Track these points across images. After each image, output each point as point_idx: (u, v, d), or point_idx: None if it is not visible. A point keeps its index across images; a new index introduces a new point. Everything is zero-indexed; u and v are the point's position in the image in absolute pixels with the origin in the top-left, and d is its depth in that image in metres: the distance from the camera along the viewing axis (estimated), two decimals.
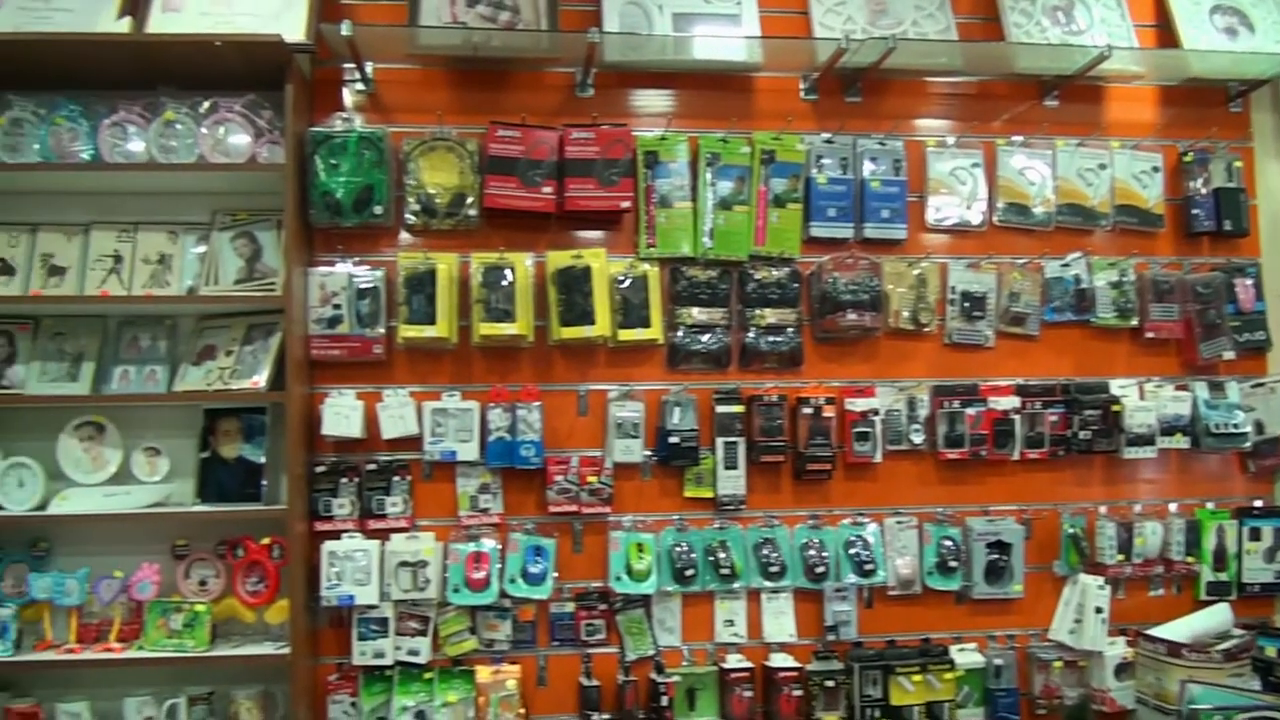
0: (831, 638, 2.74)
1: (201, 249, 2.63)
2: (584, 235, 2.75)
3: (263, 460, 2.59)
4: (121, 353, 2.62)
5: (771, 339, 2.75)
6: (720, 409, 2.70)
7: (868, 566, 2.72)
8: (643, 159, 2.71)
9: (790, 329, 2.76)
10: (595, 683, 2.63)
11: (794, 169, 2.77)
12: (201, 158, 2.52)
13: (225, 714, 2.55)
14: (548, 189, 2.62)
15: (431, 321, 2.57)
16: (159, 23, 2.60)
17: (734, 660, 2.69)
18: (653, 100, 2.81)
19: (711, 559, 2.68)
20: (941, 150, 2.89)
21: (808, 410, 2.72)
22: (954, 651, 2.75)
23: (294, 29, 2.55)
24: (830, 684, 2.66)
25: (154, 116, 2.53)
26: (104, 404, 2.60)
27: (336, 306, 2.59)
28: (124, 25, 2.57)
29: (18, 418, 2.63)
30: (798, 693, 2.64)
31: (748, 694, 2.64)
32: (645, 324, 2.66)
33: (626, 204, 2.64)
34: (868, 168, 2.82)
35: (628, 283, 2.67)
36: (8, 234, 2.65)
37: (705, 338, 2.72)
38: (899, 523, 2.79)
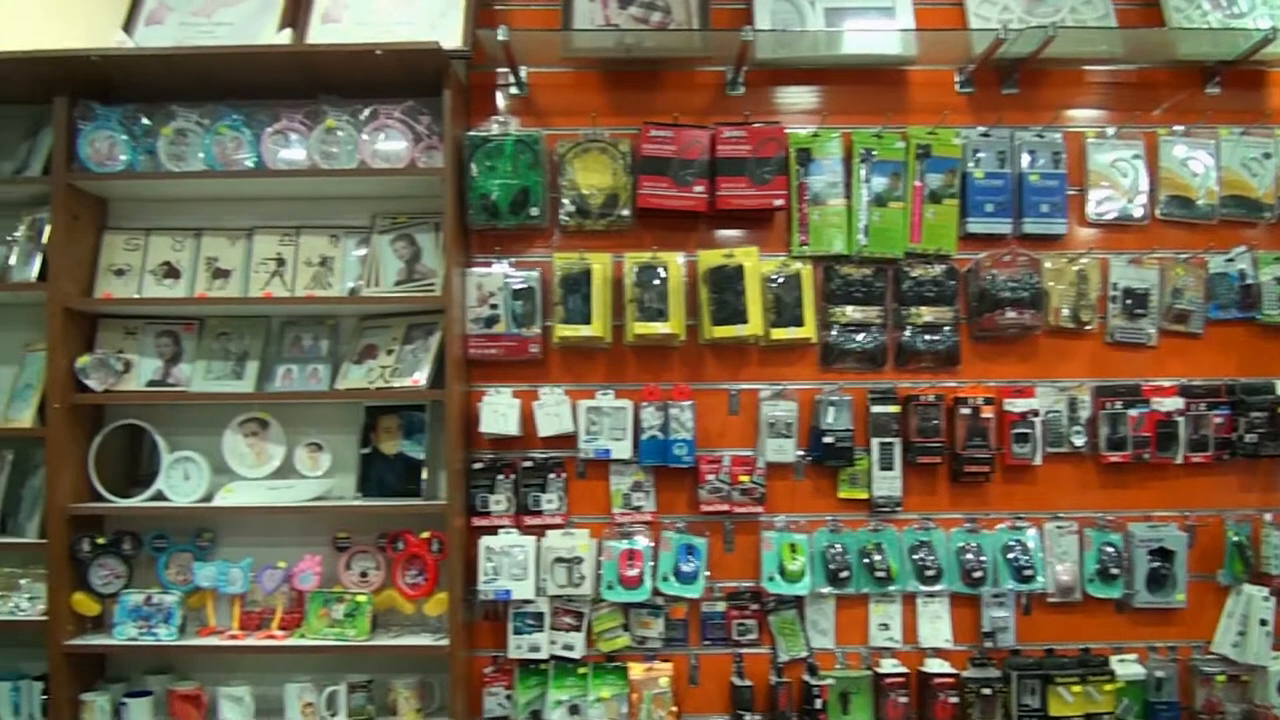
0: (989, 644, 2.76)
1: (362, 251, 2.78)
2: (736, 234, 2.83)
3: (422, 456, 2.72)
4: (285, 352, 2.79)
5: (928, 338, 2.78)
6: (876, 409, 2.74)
7: (1026, 572, 2.73)
8: (795, 156, 2.77)
9: (947, 327, 2.79)
10: (748, 683, 2.70)
11: (950, 164, 2.80)
12: (362, 163, 2.67)
13: (384, 702, 2.69)
14: (700, 188, 2.70)
15: (587, 321, 2.67)
16: (318, 33, 2.76)
17: (889, 665, 2.73)
18: (805, 97, 2.87)
19: (866, 561, 2.72)
20: (1101, 141, 2.88)
21: (965, 411, 2.74)
22: (1114, 662, 2.74)
23: (451, 36, 2.69)
24: (987, 692, 2.68)
25: (315, 124, 2.69)
26: (268, 401, 2.77)
27: (493, 306, 2.71)
28: (285, 37, 2.74)
29: (184, 414, 2.83)
30: (954, 700, 2.68)
31: (903, 700, 2.68)
32: (798, 323, 2.72)
33: (780, 202, 2.70)
34: (1026, 161, 2.83)
35: (780, 281, 2.73)
36: (174, 239, 2.85)
37: (860, 336, 2.77)
38: (1059, 527, 2.79)
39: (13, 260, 2.83)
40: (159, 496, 2.73)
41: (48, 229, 2.74)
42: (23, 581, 2.75)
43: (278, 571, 2.69)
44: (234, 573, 2.68)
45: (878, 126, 2.81)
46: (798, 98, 2.87)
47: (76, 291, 2.77)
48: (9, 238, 2.86)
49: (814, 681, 2.68)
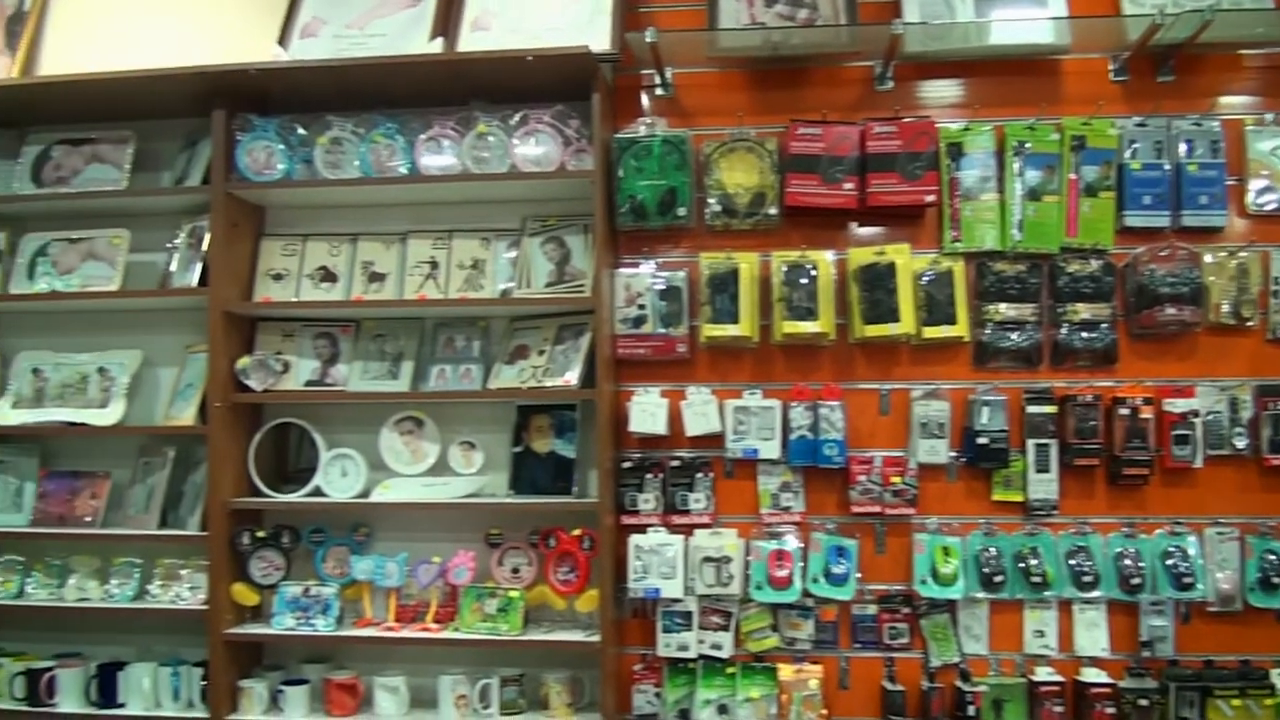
0: (1146, 654, 2.76)
1: (512, 254, 2.93)
2: (886, 231, 2.89)
3: (573, 455, 2.86)
4: (438, 352, 2.95)
5: (1085, 335, 2.80)
6: (1031, 409, 2.78)
7: (1186, 580, 2.72)
8: (946, 151, 2.81)
9: (1104, 324, 2.81)
10: (899, 688, 2.76)
11: (1106, 155, 2.82)
12: (513, 167, 2.81)
13: (535, 696, 2.82)
14: (849, 185, 2.77)
15: (734, 320, 2.76)
16: (469, 41, 2.92)
17: (1044, 672, 2.76)
18: (955, 89, 2.92)
19: (1021, 565, 2.75)
20: (1260, 129, 2.87)
21: (1124, 411, 2.76)
22: (1275, 676, 2.72)
23: (599, 39, 2.81)
24: (1144, 703, 2.69)
25: (467, 130, 2.84)
26: (422, 400, 2.93)
27: (641, 307, 2.82)
28: (437, 46, 2.90)
29: (341, 412, 3.01)
30: (1110, 711, 2.69)
31: (1058, 709, 2.71)
32: (950, 321, 2.77)
33: (931, 198, 2.76)
34: (1183, 151, 2.83)
35: (932, 278, 2.78)
36: (330, 244, 3.04)
37: (1015, 335, 2.80)
38: (1219, 534, 2.78)
39: (174, 266, 3.05)
40: (317, 492, 2.91)
41: (208, 236, 2.95)
42: (184, 572, 2.96)
43: (433, 566, 2.84)
44: (390, 567, 2.84)
45: (1030, 118, 2.85)
46: (947, 91, 2.92)
47: (236, 296, 2.97)
48: (170, 245, 3.08)
49: (967, 688, 2.72)
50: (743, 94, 2.94)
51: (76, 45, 3.20)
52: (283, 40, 3.03)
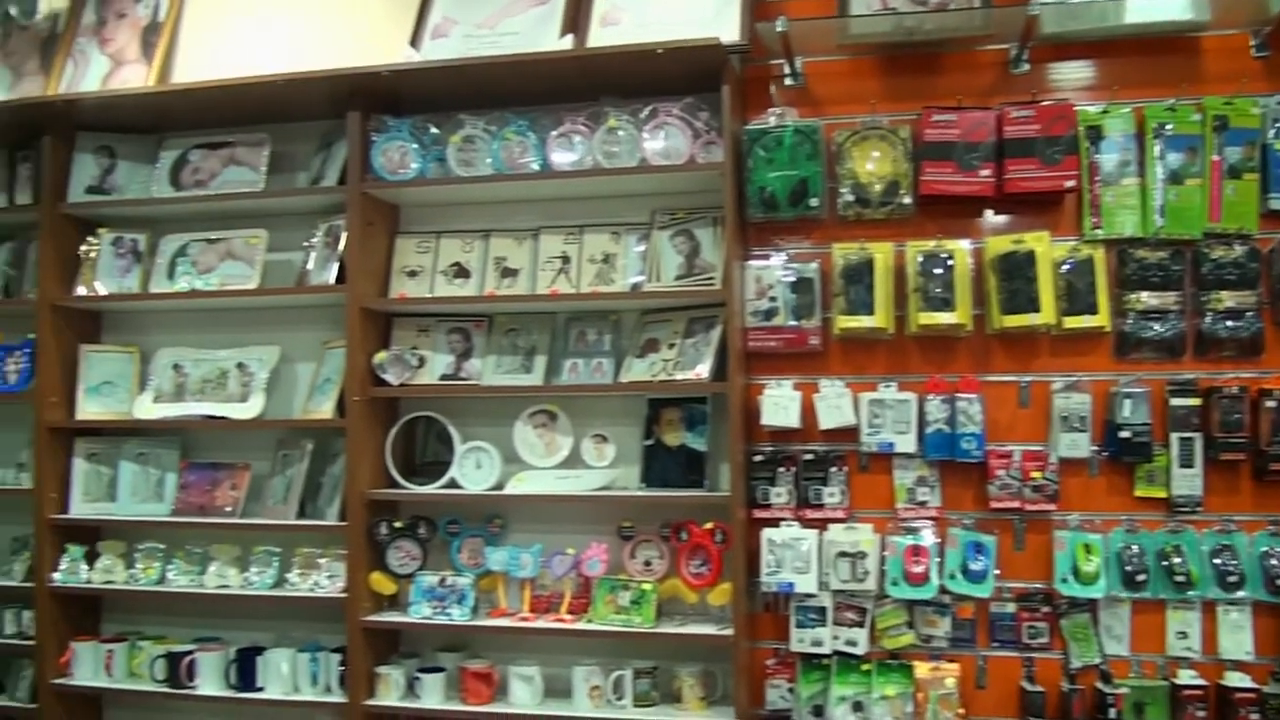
0: None
1: (642, 247, 3.04)
2: (1023, 219, 2.91)
3: (704, 448, 2.95)
4: (570, 346, 3.09)
5: (1230, 324, 2.79)
6: (1175, 402, 2.79)
7: None
8: (1084, 134, 2.83)
9: (1249, 313, 2.80)
10: (1038, 688, 2.78)
11: (1249, 135, 2.81)
12: (643, 161, 2.91)
13: (667, 689, 2.93)
14: (986, 172, 2.81)
15: (869, 311, 2.83)
16: (598, 37, 3.04)
17: (1187, 676, 2.76)
18: (1092, 71, 2.93)
19: (1164, 564, 2.76)
20: None
21: (1271, 404, 2.75)
22: None
23: (728, 31, 2.89)
24: None
25: (597, 125, 2.96)
26: (555, 394, 3.06)
27: (772, 299, 2.91)
28: (567, 43, 3.02)
29: (476, 406, 3.16)
30: (1255, 717, 2.67)
31: (1201, 713, 2.70)
32: (1092, 310, 2.79)
33: (1071, 183, 2.78)
34: None
35: (1072, 267, 2.80)
36: (463, 241, 3.20)
37: (1157, 324, 2.81)
38: None
39: (310, 265, 3.23)
40: (452, 484, 3.05)
41: (344, 235, 3.12)
42: (322, 561, 3.15)
43: (566, 558, 2.97)
44: (524, 558, 2.97)
45: (1170, 98, 2.85)
46: (1084, 72, 2.93)
47: (373, 292, 3.14)
48: (307, 244, 3.26)
49: (1108, 690, 2.74)
50: (874, 81, 3.00)
51: (210, 52, 3.40)
52: (415, 41, 3.18)
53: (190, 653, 3.20)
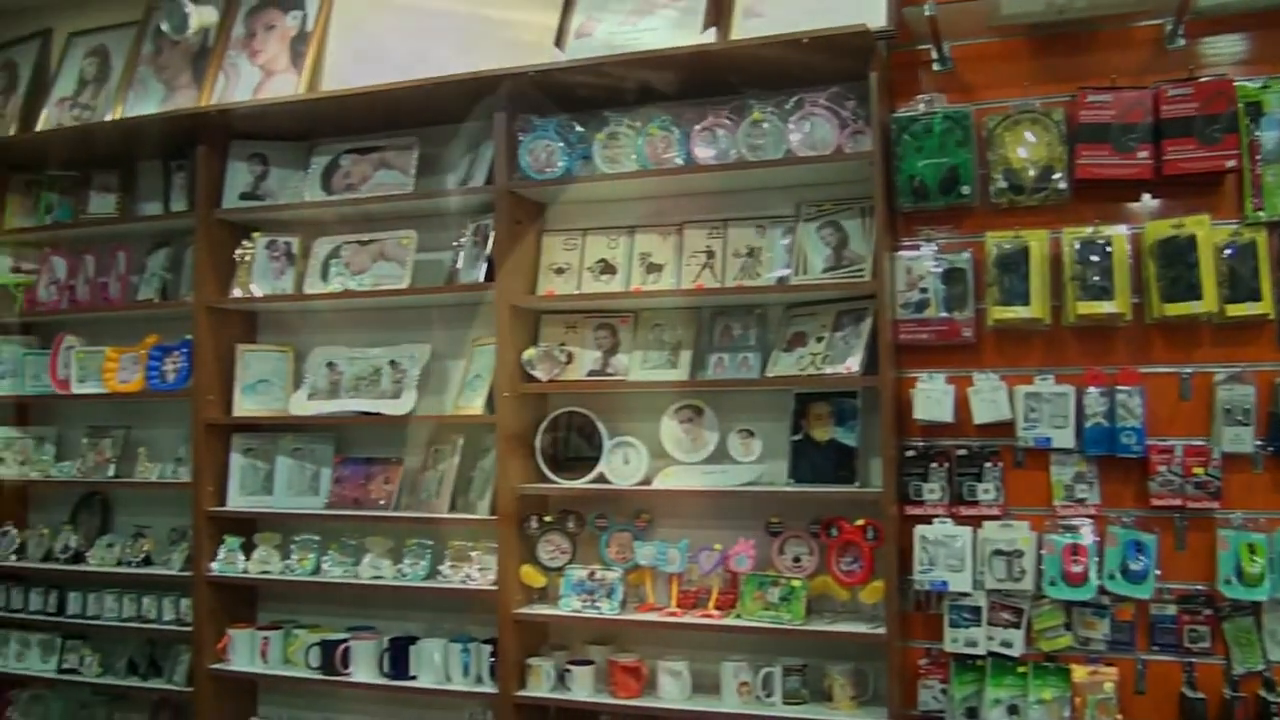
0: None
1: (788, 240, 3.13)
2: (1181, 201, 2.90)
3: (854, 443, 3.03)
4: (716, 341, 3.22)
5: None
6: None
7: None
8: (1243, 111, 2.81)
9: None
10: (1199, 695, 2.78)
11: None
12: (789, 153, 3.01)
13: (817, 687, 3.03)
14: (1143, 154, 2.82)
15: (1025, 301, 2.86)
16: (742, 29, 3.16)
17: None
18: (1250, 44, 2.89)
19: None
20: None
21: None
22: None
23: (875, 16, 2.96)
24: None
25: (741, 118, 3.08)
26: (701, 389, 3.18)
27: (923, 290, 2.97)
28: (710, 36, 3.13)
29: (623, 401, 3.32)
30: None
31: None
32: (1254, 297, 2.78)
33: (1232, 163, 2.78)
34: None
35: (1234, 252, 2.79)
36: (609, 237, 3.37)
37: None
38: None
39: (460, 264, 3.43)
40: (600, 478, 3.21)
41: (492, 234, 3.31)
42: (473, 554, 3.35)
43: (714, 553, 3.09)
44: (672, 553, 3.11)
45: None
46: (1242, 46, 2.90)
47: (521, 290, 3.33)
48: (456, 243, 3.46)
49: (1272, 698, 2.71)
50: (1025, 63, 3.03)
51: (357, 59, 3.64)
52: (559, 41, 3.35)
53: (345, 641, 3.45)
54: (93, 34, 4.20)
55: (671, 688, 3.11)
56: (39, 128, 4.11)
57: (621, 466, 3.22)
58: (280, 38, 3.79)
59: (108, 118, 3.94)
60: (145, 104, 3.92)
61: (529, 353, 3.27)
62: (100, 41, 4.18)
